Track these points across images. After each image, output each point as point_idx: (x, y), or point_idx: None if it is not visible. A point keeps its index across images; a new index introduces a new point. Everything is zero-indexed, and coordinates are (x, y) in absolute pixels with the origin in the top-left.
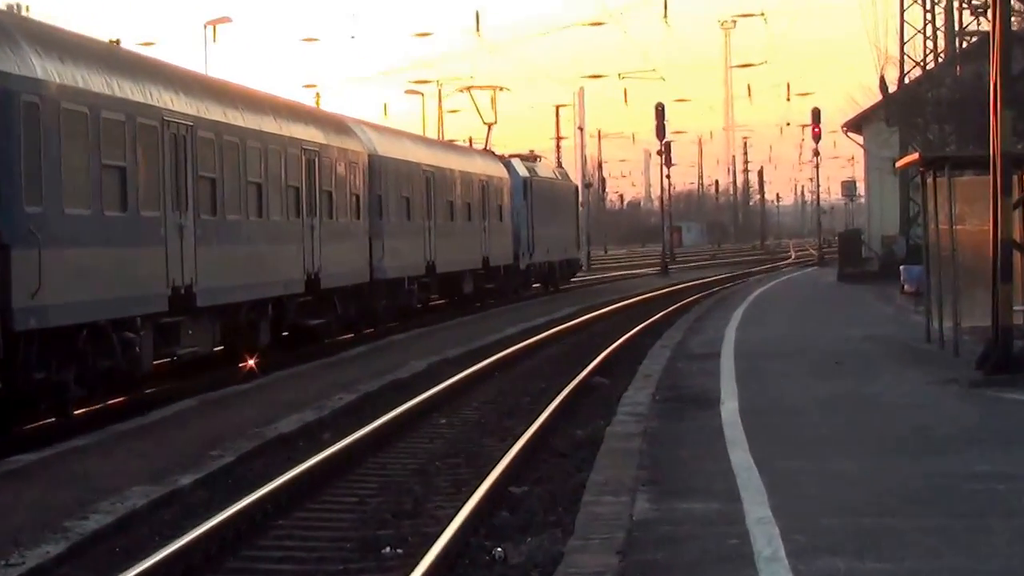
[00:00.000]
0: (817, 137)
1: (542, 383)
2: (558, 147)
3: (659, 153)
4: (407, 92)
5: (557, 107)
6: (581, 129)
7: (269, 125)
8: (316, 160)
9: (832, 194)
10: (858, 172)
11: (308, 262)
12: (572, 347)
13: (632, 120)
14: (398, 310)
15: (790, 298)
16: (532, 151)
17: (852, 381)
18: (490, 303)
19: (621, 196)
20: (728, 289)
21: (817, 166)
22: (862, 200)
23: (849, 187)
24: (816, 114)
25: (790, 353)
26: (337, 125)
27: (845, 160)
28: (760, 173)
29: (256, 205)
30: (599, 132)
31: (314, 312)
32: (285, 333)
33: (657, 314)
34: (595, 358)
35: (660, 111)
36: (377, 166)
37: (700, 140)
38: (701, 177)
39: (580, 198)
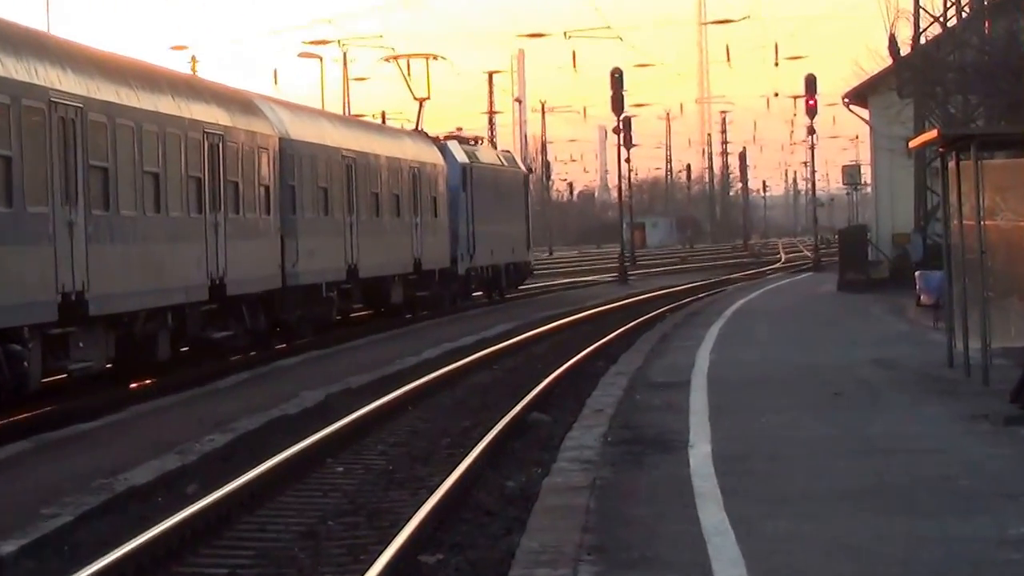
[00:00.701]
0: (812, 111)
1: (466, 420)
2: (491, 124)
3: (616, 131)
4: (302, 56)
5: (490, 74)
6: (519, 101)
7: (167, 105)
8: (220, 145)
9: (831, 182)
10: (863, 154)
11: (212, 265)
12: (507, 373)
13: (583, 91)
14: (315, 322)
15: (778, 311)
16: (460, 128)
17: (855, 417)
18: (423, 315)
19: (570, 185)
20: (702, 300)
21: (812, 147)
22: (868, 190)
23: (852, 173)
24: (811, 83)
25: (777, 381)
26: (243, 104)
27: (847, 140)
28: (742, 156)
29: (153, 198)
30: (543, 105)
31: (219, 323)
32: (186, 348)
33: (612, 332)
34: (533, 388)
35: (617, 79)
36: (290, 152)
37: (668, 115)
38: (669, 161)
39: (527, 189)
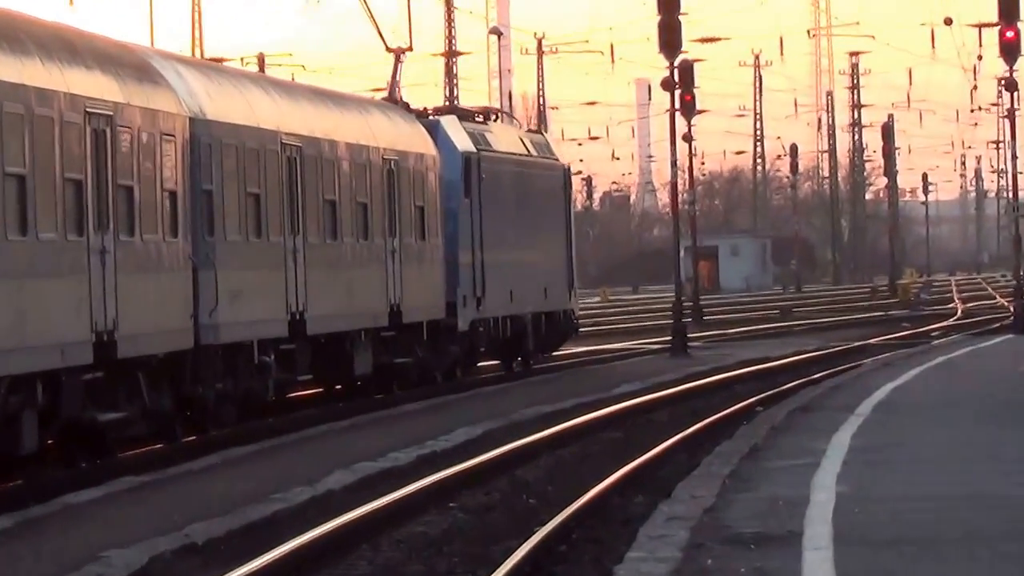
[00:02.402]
0: (1012, 49)
1: None
2: (449, 73)
3: (668, 86)
4: None
5: None
6: (498, 34)
7: (35, 72)
8: (108, 132)
9: None
10: None
11: (97, 313)
12: (480, 513)
13: (608, 18)
14: (241, 402)
15: (955, 407)
16: (450, 102)
17: None
18: (401, 397)
19: (588, 183)
20: (819, 385)
21: (1011, 115)
22: None
23: None
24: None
25: (957, 539)
26: (137, 67)
27: None
28: (887, 131)
29: (18, 214)
30: (539, 42)
31: (108, 399)
32: (56, 436)
33: (662, 441)
34: (522, 543)
35: None
36: (206, 139)
37: (757, 59)
38: (760, 140)
39: (568, 193)
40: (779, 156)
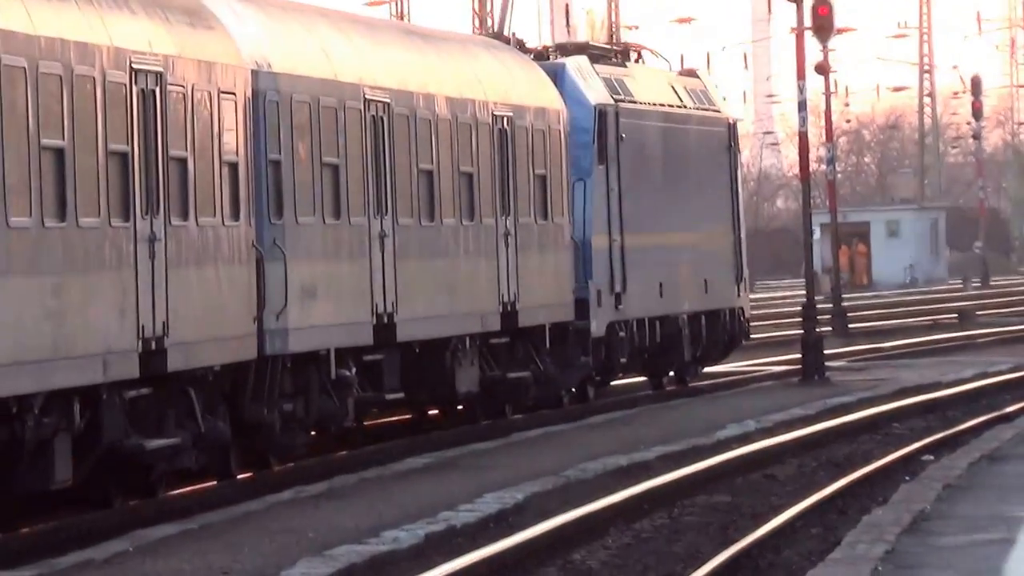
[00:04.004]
0: None
1: None
2: None
3: None
4: None
5: None
6: None
7: (73, 22)
8: (158, 92)
9: None
10: None
11: (144, 316)
12: None
13: None
14: (315, 428)
15: None
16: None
17: None
18: (518, 423)
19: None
20: (1012, 424)
21: None
22: None
23: None
24: None
25: None
26: (188, 8)
27: None
28: None
29: (56, 196)
30: None
31: (154, 422)
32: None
33: (787, 506)
34: None
35: None
36: (272, 96)
37: None
38: (927, 71)
39: (735, 155)
40: (956, 94)
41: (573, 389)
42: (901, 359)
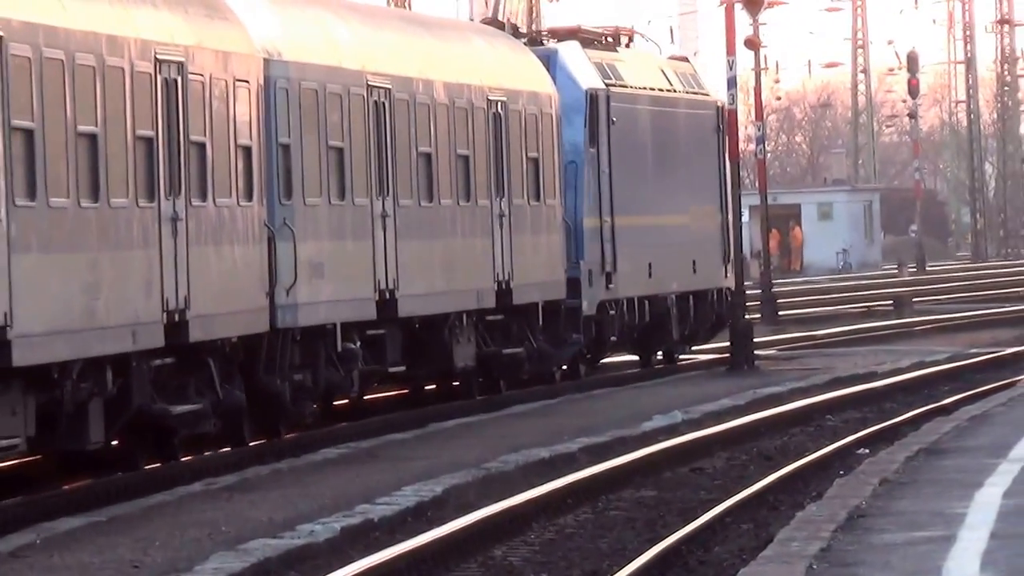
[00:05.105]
0: None
1: None
2: None
3: None
4: None
5: None
6: None
7: (104, 15)
8: (180, 81)
9: None
10: None
11: (168, 290)
12: None
13: None
14: (322, 395)
15: None
16: (579, 27)
17: None
18: (511, 397)
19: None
20: (950, 417)
21: None
22: None
23: None
24: None
25: None
26: (205, 1)
27: None
28: None
29: (91, 178)
30: None
31: (177, 388)
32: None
33: (715, 502)
34: None
35: None
36: (282, 83)
37: None
38: (861, 46)
39: (723, 138)
40: (891, 70)
41: (564, 366)
42: (834, 348)
